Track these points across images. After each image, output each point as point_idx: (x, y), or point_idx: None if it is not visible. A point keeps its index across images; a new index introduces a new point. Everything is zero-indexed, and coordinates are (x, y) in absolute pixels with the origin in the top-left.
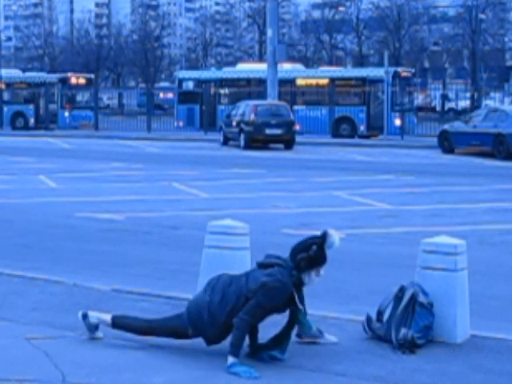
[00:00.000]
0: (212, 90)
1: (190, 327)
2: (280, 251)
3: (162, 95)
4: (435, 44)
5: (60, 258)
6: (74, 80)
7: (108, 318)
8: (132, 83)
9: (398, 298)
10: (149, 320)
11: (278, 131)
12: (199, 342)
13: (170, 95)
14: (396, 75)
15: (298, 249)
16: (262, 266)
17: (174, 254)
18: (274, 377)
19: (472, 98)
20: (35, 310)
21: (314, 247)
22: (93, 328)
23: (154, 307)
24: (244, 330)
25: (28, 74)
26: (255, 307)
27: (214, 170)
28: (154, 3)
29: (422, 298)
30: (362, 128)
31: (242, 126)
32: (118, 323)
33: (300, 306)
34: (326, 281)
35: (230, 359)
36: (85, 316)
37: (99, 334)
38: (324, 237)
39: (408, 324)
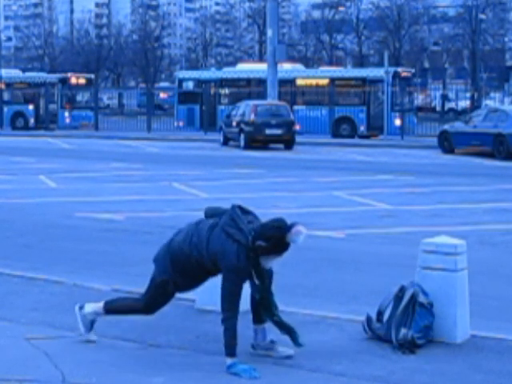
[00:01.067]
0: (212, 90)
1: (157, 274)
2: None
3: (162, 95)
4: (435, 44)
5: (60, 258)
6: (73, 80)
7: (101, 305)
8: (132, 83)
9: (398, 297)
10: (138, 298)
11: (278, 131)
12: (199, 341)
13: (166, 95)
14: (396, 75)
15: (259, 234)
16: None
17: None
18: (274, 377)
19: (472, 98)
20: (35, 310)
21: (273, 241)
22: (88, 323)
23: None
24: (232, 327)
25: (28, 74)
26: (226, 293)
27: (214, 170)
28: (154, 3)
29: (421, 298)
30: (362, 128)
31: (242, 126)
32: (109, 309)
33: (257, 282)
34: (326, 281)
35: (229, 360)
36: (81, 308)
37: (93, 336)
38: (286, 232)
39: (408, 324)
